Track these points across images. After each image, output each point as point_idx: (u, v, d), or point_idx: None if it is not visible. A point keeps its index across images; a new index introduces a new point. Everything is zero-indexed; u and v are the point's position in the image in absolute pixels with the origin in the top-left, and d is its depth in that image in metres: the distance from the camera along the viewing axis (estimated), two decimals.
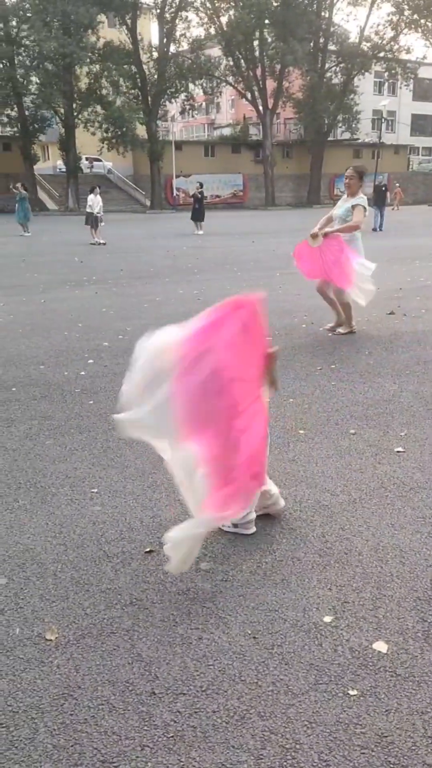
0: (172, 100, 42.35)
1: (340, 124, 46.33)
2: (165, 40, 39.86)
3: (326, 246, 6.24)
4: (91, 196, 18.64)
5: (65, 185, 39.36)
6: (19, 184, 21.88)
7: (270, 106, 43.02)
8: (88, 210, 18.57)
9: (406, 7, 41.08)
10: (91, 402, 4.69)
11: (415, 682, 2.01)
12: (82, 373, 5.44)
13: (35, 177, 40.05)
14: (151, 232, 23.50)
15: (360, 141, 49.66)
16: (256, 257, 14.35)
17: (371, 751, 1.77)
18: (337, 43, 43.92)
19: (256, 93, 42.64)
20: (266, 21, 39.88)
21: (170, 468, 2.62)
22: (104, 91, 39.05)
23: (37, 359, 5.88)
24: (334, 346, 6.24)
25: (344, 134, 49.04)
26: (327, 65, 44.39)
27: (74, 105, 38.04)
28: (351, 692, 1.97)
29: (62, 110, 38.16)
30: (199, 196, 21.57)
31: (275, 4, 39.86)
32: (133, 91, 40.45)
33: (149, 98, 40.01)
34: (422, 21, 41.11)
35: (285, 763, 1.73)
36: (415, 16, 41.11)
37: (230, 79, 43.66)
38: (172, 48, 40.78)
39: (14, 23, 35.70)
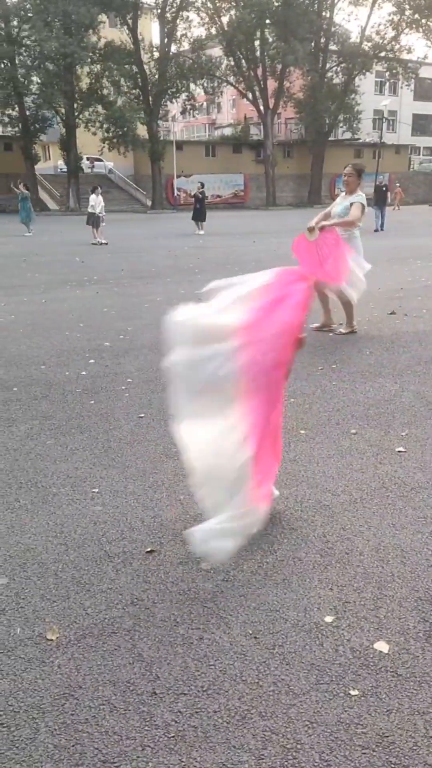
0: (173, 100, 42.34)
1: (341, 124, 46.29)
2: (166, 40, 39.85)
3: (322, 240, 6.26)
4: (92, 196, 18.64)
5: (66, 185, 39.37)
6: (21, 184, 21.89)
7: (271, 106, 43.00)
8: (90, 210, 18.57)
9: (407, 6, 41.04)
10: (92, 402, 4.69)
11: (416, 682, 2.01)
12: (83, 373, 5.44)
13: (36, 177, 40.05)
14: (152, 232, 23.51)
15: (361, 141, 49.63)
16: (257, 257, 14.35)
17: (372, 751, 1.77)
18: (338, 42, 43.88)
19: (257, 93, 42.62)
20: (267, 21, 39.85)
21: (195, 453, 2.47)
22: (105, 91, 39.04)
23: (38, 359, 5.89)
24: (335, 346, 6.24)
25: (345, 134, 49.02)
26: (328, 65, 44.37)
27: (75, 105, 38.05)
28: (352, 692, 1.97)
29: (63, 110, 38.16)
30: (201, 196, 21.55)
31: (276, 3, 39.82)
32: (134, 91, 40.45)
33: (150, 98, 40.01)
34: (423, 21, 41.06)
35: (286, 763, 1.73)
36: (416, 16, 41.07)
37: (231, 78, 43.64)
38: (173, 48, 40.76)
39: (15, 23, 35.70)
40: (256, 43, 41.28)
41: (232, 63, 42.12)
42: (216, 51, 42.67)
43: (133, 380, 5.20)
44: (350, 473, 3.47)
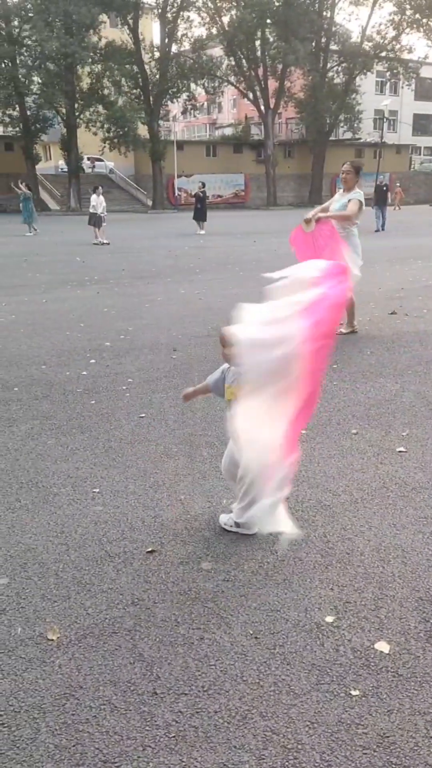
0: (174, 100, 42.33)
1: (341, 124, 46.27)
2: (167, 39, 39.85)
3: (318, 231, 6.31)
4: (93, 197, 18.64)
5: (67, 185, 39.37)
6: (22, 184, 21.89)
7: (272, 105, 42.99)
8: (92, 210, 18.57)
9: (407, 6, 41.02)
10: (93, 402, 4.69)
11: (417, 682, 2.01)
12: (84, 372, 5.44)
13: (37, 177, 40.06)
14: (153, 232, 23.51)
15: (362, 141, 49.60)
16: (257, 257, 14.35)
17: (373, 752, 1.77)
18: (338, 42, 43.86)
19: (258, 93, 42.61)
20: (268, 21, 39.85)
21: (242, 411, 2.44)
22: (106, 91, 39.05)
23: (38, 359, 5.89)
24: (335, 346, 6.22)
25: (346, 134, 49.00)
26: (329, 65, 44.37)
27: (76, 105, 38.04)
28: (353, 692, 1.97)
29: (64, 110, 38.14)
30: (202, 195, 21.54)
31: (277, 3, 39.82)
32: (134, 91, 40.46)
33: (151, 98, 40.01)
34: (424, 21, 41.04)
35: (287, 763, 1.73)
36: (417, 16, 41.04)
37: (232, 78, 43.64)
38: (174, 48, 40.75)
39: (16, 23, 35.71)
40: (257, 42, 41.27)
41: (233, 63, 42.12)
42: (217, 51, 42.67)
43: (134, 380, 5.20)
44: (351, 473, 3.47)
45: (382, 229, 21.39)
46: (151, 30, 44.32)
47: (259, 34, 40.50)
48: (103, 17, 36.09)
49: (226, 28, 40.54)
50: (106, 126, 38.35)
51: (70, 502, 3.19)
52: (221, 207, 42.05)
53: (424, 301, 8.49)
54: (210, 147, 48.75)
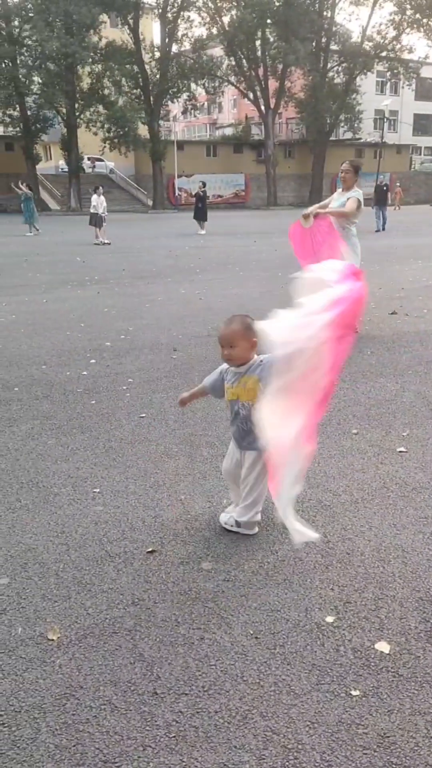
0: (174, 100, 42.36)
1: (342, 124, 46.30)
2: (167, 39, 39.87)
3: (316, 227, 6.34)
4: (94, 197, 18.65)
5: (67, 185, 39.39)
6: (23, 185, 21.89)
7: (272, 105, 43.01)
8: (93, 210, 18.57)
9: (408, 6, 41.04)
10: (93, 402, 4.69)
11: (417, 682, 2.01)
12: (84, 373, 5.45)
13: (38, 177, 40.08)
14: (153, 232, 23.52)
15: (362, 141, 49.62)
16: (258, 257, 14.36)
17: (373, 752, 1.77)
18: (339, 42, 43.88)
19: (258, 93, 42.64)
20: (268, 21, 39.88)
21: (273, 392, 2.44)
22: (106, 91, 39.09)
23: (39, 359, 5.89)
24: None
25: (346, 134, 49.01)
26: (329, 65, 44.39)
27: (76, 105, 38.07)
28: (353, 692, 1.97)
29: (64, 110, 38.18)
30: (202, 194, 21.53)
31: (277, 3, 39.85)
32: (135, 91, 40.49)
33: (151, 98, 40.03)
34: (424, 20, 41.05)
35: (287, 764, 1.73)
36: (418, 16, 41.06)
37: (232, 78, 43.66)
38: (174, 48, 40.79)
39: (16, 23, 35.75)
40: (257, 42, 41.30)
41: (233, 63, 42.15)
42: (217, 51, 42.70)
43: (134, 380, 5.20)
44: (351, 473, 3.47)
45: (383, 229, 21.39)
46: (152, 30, 44.36)
47: (259, 34, 40.54)
48: (104, 17, 36.14)
49: (227, 28, 40.57)
50: (106, 126, 38.39)
51: (70, 502, 3.20)
52: (221, 207, 42.07)
53: (425, 301, 8.49)
54: (210, 147, 48.77)
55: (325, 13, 42.92)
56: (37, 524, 2.99)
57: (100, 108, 38.50)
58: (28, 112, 38.01)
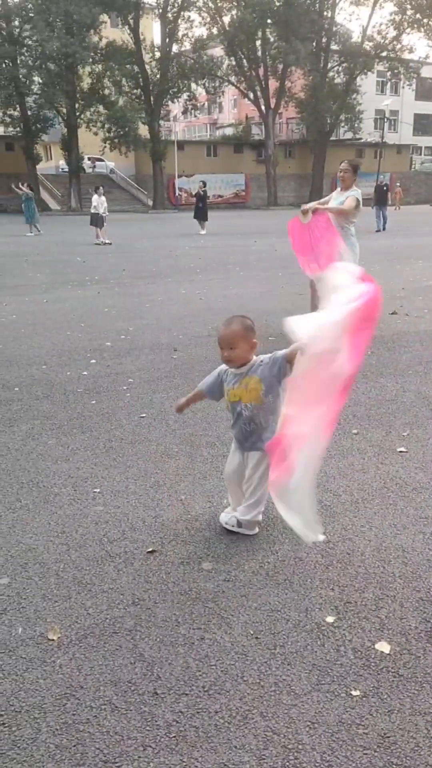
0: (175, 100, 42.36)
1: (342, 124, 46.27)
2: (167, 39, 39.86)
3: (315, 222, 6.36)
4: (95, 197, 18.64)
5: (67, 185, 39.39)
6: (24, 185, 21.89)
7: (272, 105, 42.99)
8: (93, 210, 18.57)
9: (408, 6, 41.02)
10: (94, 402, 4.69)
11: (417, 682, 2.01)
12: (85, 372, 5.45)
13: (38, 177, 40.09)
14: (154, 232, 23.52)
15: (362, 141, 49.60)
16: (258, 257, 14.36)
17: (374, 752, 1.77)
18: (339, 42, 43.86)
19: (259, 93, 42.62)
20: (268, 21, 39.87)
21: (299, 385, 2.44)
22: (107, 91, 39.09)
23: (39, 359, 5.89)
24: None
25: (347, 134, 48.99)
26: (329, 65, 44.36)
27: (77, 105, 38.07)
28: (353, 692, 1.97)
29: (65, 110, 38.18)
30: (202, 194, 21.52)
31: (277, 3, 39.83)
32: (135, 91, 40.48)
33: (151, 98, 40.02)
34: (425, 20, 41.04)
35: (287, 764, 1.73)
36: (418, 16, 41.04)
37: (232, 78, 43.65)
38: (175, 48, 40.78)
39: (17, 23, 35.76)
40: (258, 42, 41.29)
41: (234, 63, 42.14)
42: (217, 51, 42.69)
43: (135, 380, 5.20)
44: (352, 473, 3.47)
45: (383, 229, 21.39)
46: (152, 30, 44.36)
47: (259, 34, 40.53)
48: (104, 17, 36.14)
49: (227, 28, 40.57)
50: (106, 126, 38.39)
51: (70, 502, 3.20)
52: (222, 207, 42.06)
53: (425, 301, 8.49)
54: (210, 147, 48.76)
55: (325, 13, 42.90)
56: (38, 524, 2.99)
57: (101, 108, 38.50)
58: (29, 112, 38.01)
